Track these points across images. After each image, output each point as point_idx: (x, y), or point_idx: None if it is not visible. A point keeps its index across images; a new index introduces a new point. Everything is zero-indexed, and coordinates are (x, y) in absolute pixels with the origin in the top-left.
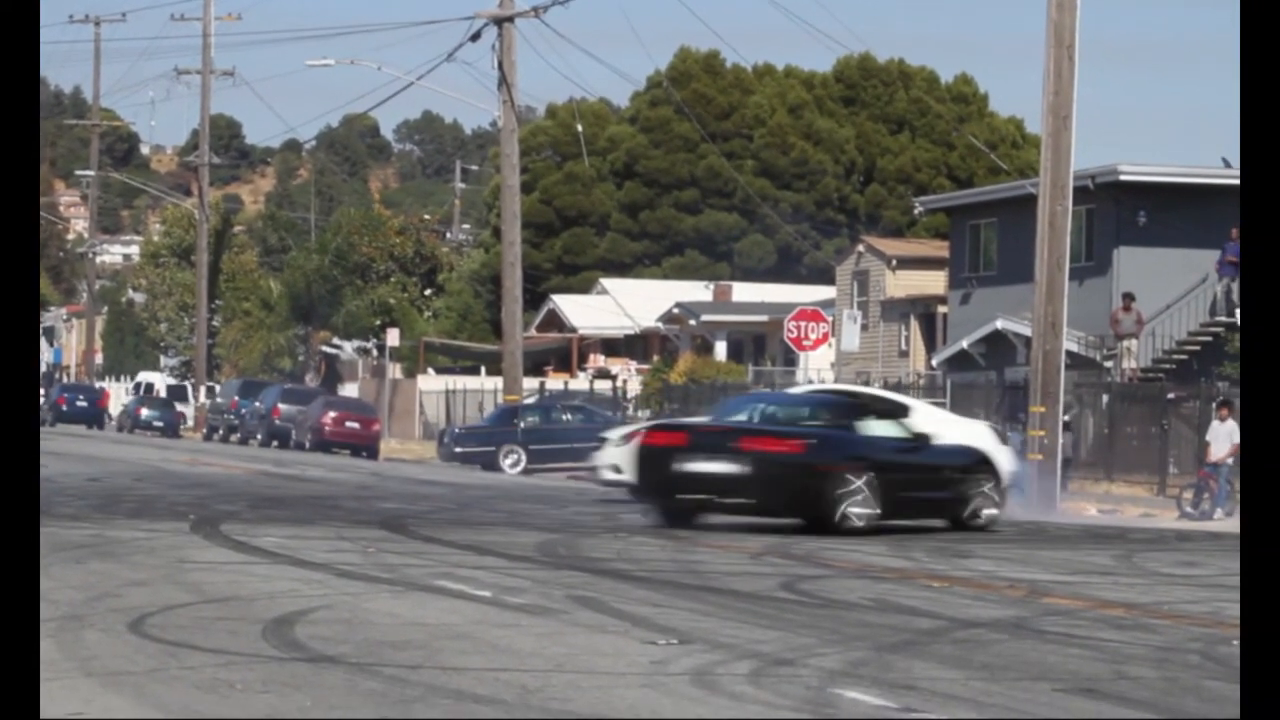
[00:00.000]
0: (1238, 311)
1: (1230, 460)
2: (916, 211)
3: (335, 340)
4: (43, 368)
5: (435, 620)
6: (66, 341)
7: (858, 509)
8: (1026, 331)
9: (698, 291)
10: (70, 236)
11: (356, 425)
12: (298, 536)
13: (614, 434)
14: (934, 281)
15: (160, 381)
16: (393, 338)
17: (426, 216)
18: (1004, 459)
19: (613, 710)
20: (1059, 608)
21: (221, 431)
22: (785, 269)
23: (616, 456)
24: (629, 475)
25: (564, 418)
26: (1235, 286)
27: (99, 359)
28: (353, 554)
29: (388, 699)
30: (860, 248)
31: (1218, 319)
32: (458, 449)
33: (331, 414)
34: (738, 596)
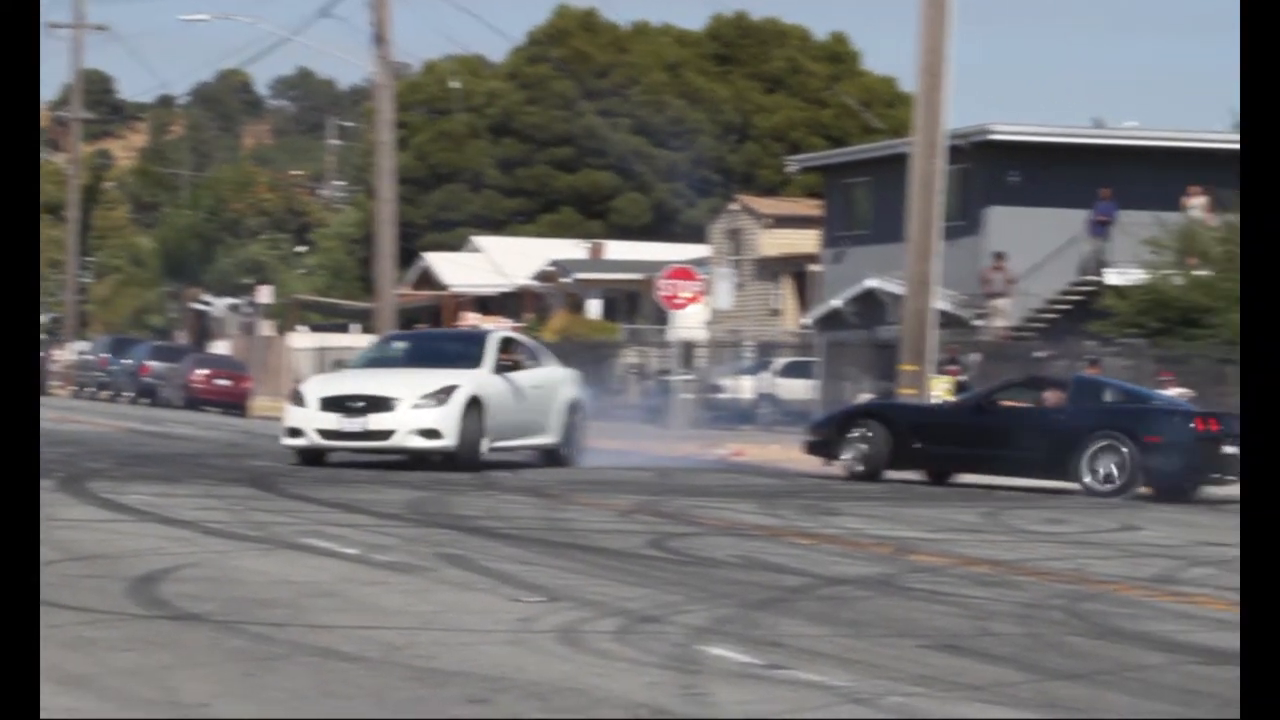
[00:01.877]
0: (1105, 271)
1: None
2: (791, 170)
3: (206, 297)
4: None
5: (302, 578)
6: None
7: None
8: (898, 290)
9: (572, 249)
10: None
11: (227, 383)
12: (166, 494)
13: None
14: (807, 240)
15: None
16: (264, 295)
17: (298, 172)
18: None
19: (478, 667)
20: (925, 565)
21: (92, 388)
22: (660, 227)
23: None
24: (450, 439)
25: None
26: (1105, 246)
27: None
28: (221, 511)
29: (252, 656)
30: (735, 206)
31: (1087, 278)
32: None
33: (202, 371)
34: (606, 554)
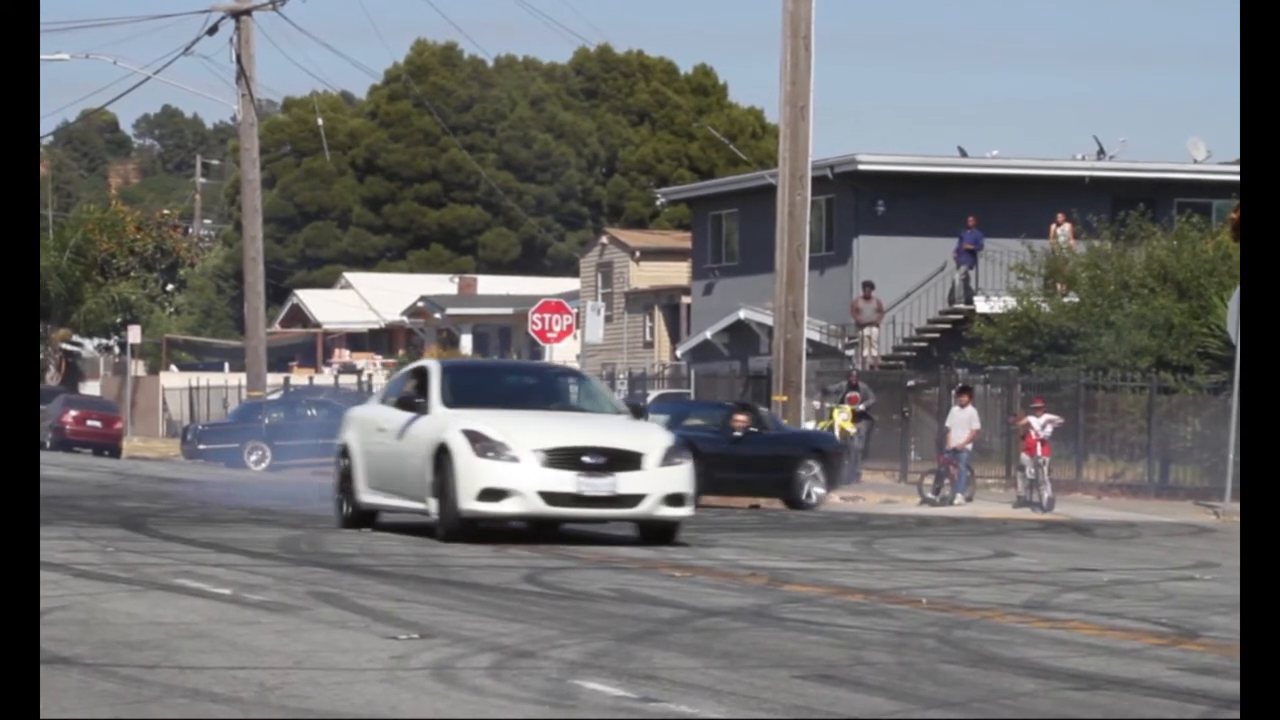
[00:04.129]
0: (976, 298)
1: (969, 446)
2: (659, 203)
3: (75, 338)
4: None
5: (173, 619)
6: None
7: None
8: (769, 321)
9: (442, 285)
10: None
11: (98, 424)
12: None
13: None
14: (677, 272)
15: None
16: (134, 335)
17: (166, 212)
18: None
19: (351, 707)
20: (799, 595)
21: None
22: (530, 262)
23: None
24: (689, 509)
25: (309, 413)
26: (972, 274)
27: None
28: (91, 554)
29: (123, 699)
30: (604, 239)
31: (956, 306)
32: (201, 446)
33: (72, 413)
34: (480, 590)
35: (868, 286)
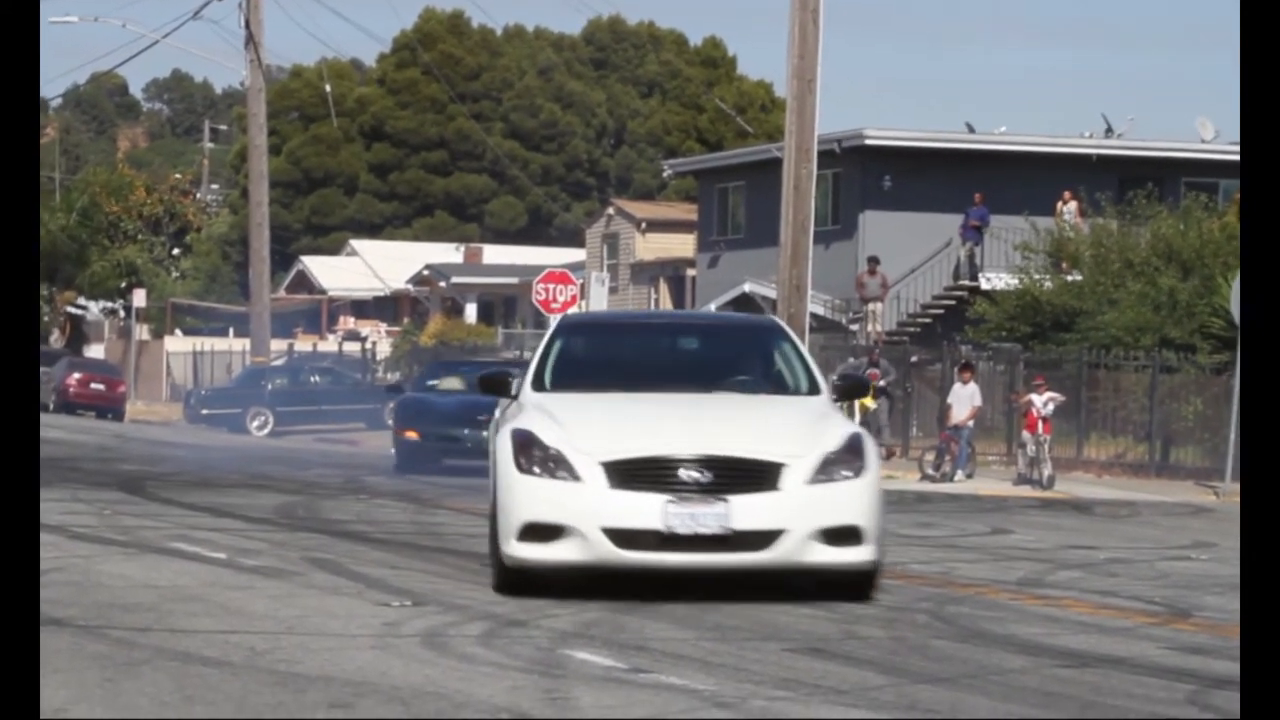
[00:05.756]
0: (981, 275)
1: (971, 423)
2: (666, 175)
3: (81, 301)
4: None
5: (167, 582)
6: None
7: None
8: (774, 294)
9: (448, 253)
10: None
11: (101, 387)
12: None
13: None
14: (683, 244)
15: None
16: (139, 299)
17: (179, 176)
18: None
19: (341, 672)
20: None
21: None
22: (536, 231)
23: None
24: (870, 547)
25: (312, 380)
26: (978, 250)
27: None
28: (88, 516)
29: (114, 662)
30: (610, 210)
31: (961, 283)
32: (204, 411)
33: (76, 375)
34: (475, 558)
35: (873, 262)
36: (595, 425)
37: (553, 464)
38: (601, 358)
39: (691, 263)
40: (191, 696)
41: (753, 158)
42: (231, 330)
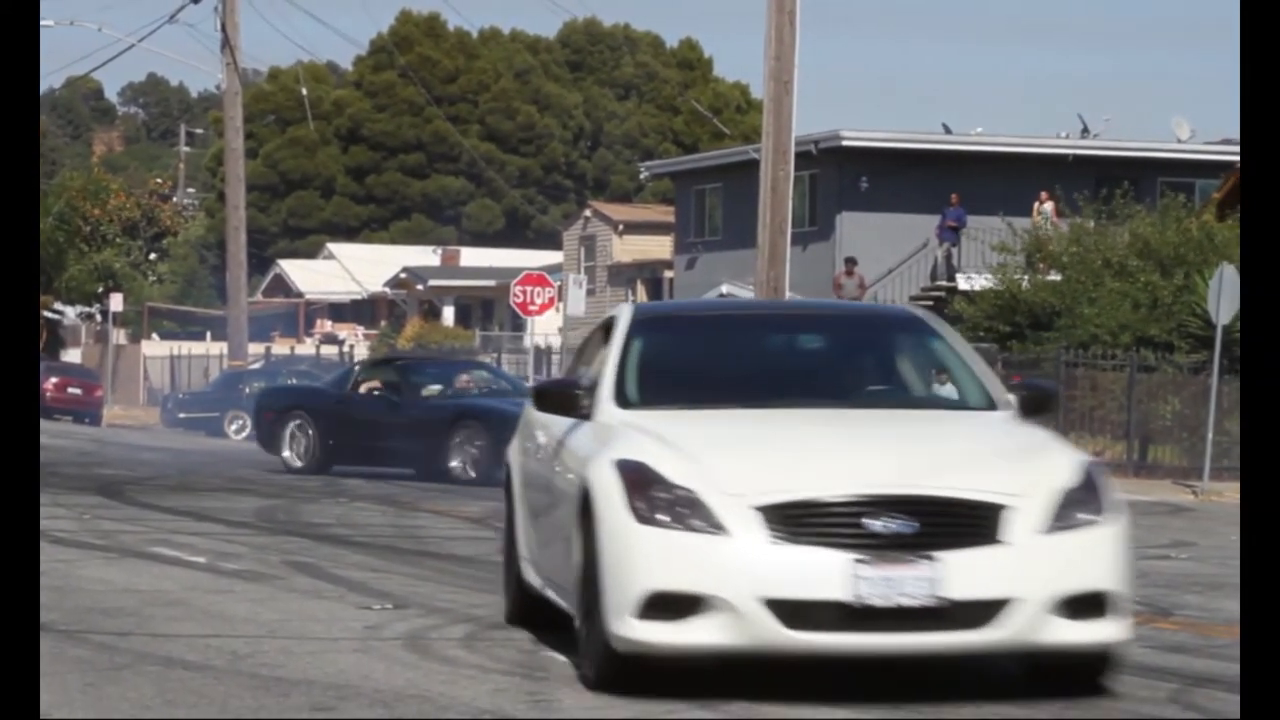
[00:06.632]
0: (958, 276)
1: None
2: (643, 177)
3: (57, 305)
4: None
5: (148, 587)
6: None
7: None
8: (751, 295)
9: (425, 256)
10: None
11: (79, 391)
12: None
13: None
14: (660, 246)
15: None
16: (116, 303)
17: (159, 181)
18: None
19: (323, 675)
20: None
21: None
22: (513, 234)
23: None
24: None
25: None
26: (955, 251)
27: None
28: (68, 520)
29: (95, 666)
30: (587, 213)
31: (938, 283)
32: (181, 415)
33: (53, 380)
34: (456, 561)
35: (850, 262)
36: (734, 454)
37: (685, 510)
38: (699, 361)
39: (669, 264)
40: (173, 701)
41: (730, 159)
42: (209, 334)
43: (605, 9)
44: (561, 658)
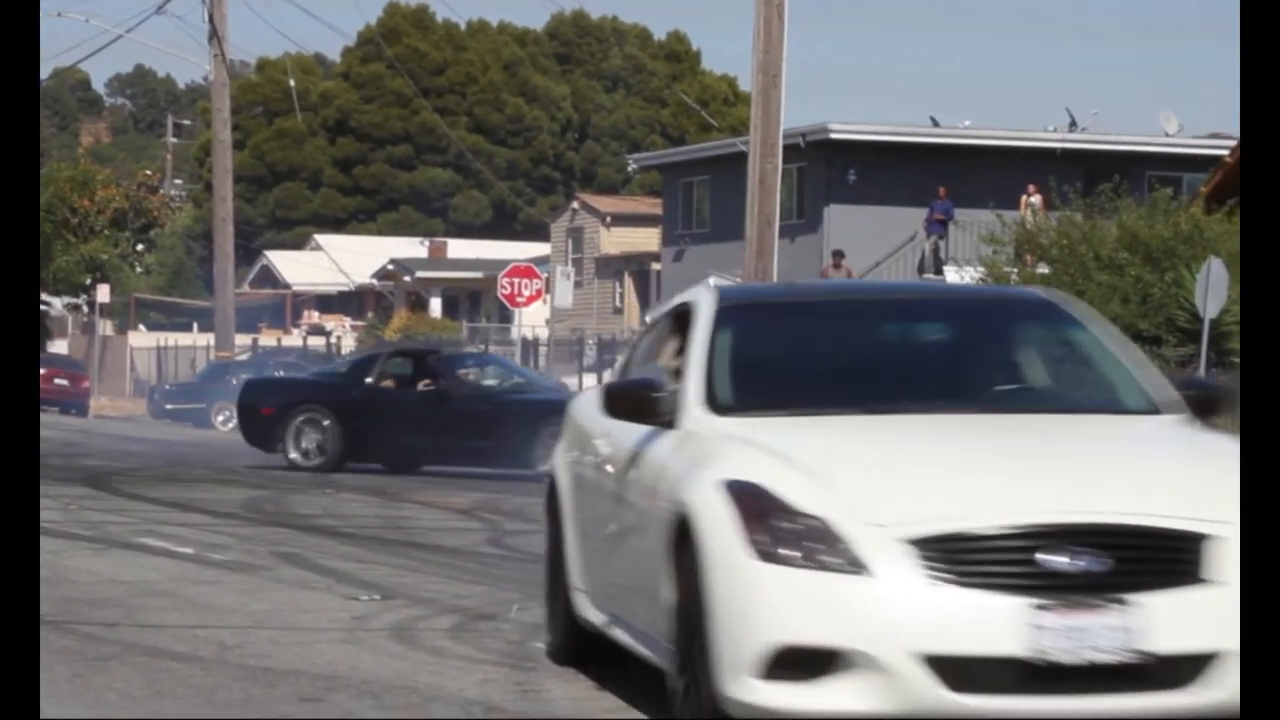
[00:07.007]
0: (945, 268)
1: None
2: (630, 169)
3: (44, 296)
4: None
5: (135, 577)
6: None
7: None
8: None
9: (413, 248)
10: None
11: (65, 382)
12: None
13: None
14: (648, 239)
15: None
16: (103, 294)
17: (149, 172)
18: None
19: (311, 666)
20: None
21: None
22: (501, 226)
23: None
24: None
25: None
26: (943, 244)
27: None
28: (54, 511)
29: (82, 657)
30: (575, 205)
31: (926, 276)
32: (168, 406)
33: (40, 371)
34: (443, 552)
35: (838, 255)
36: (870, 472)
37: (817, 543)
38: (802, 356)
39: (656, 257)
40: (161, 691)
41: (717, 152)
42: (195, 325)
43: (593, 1)
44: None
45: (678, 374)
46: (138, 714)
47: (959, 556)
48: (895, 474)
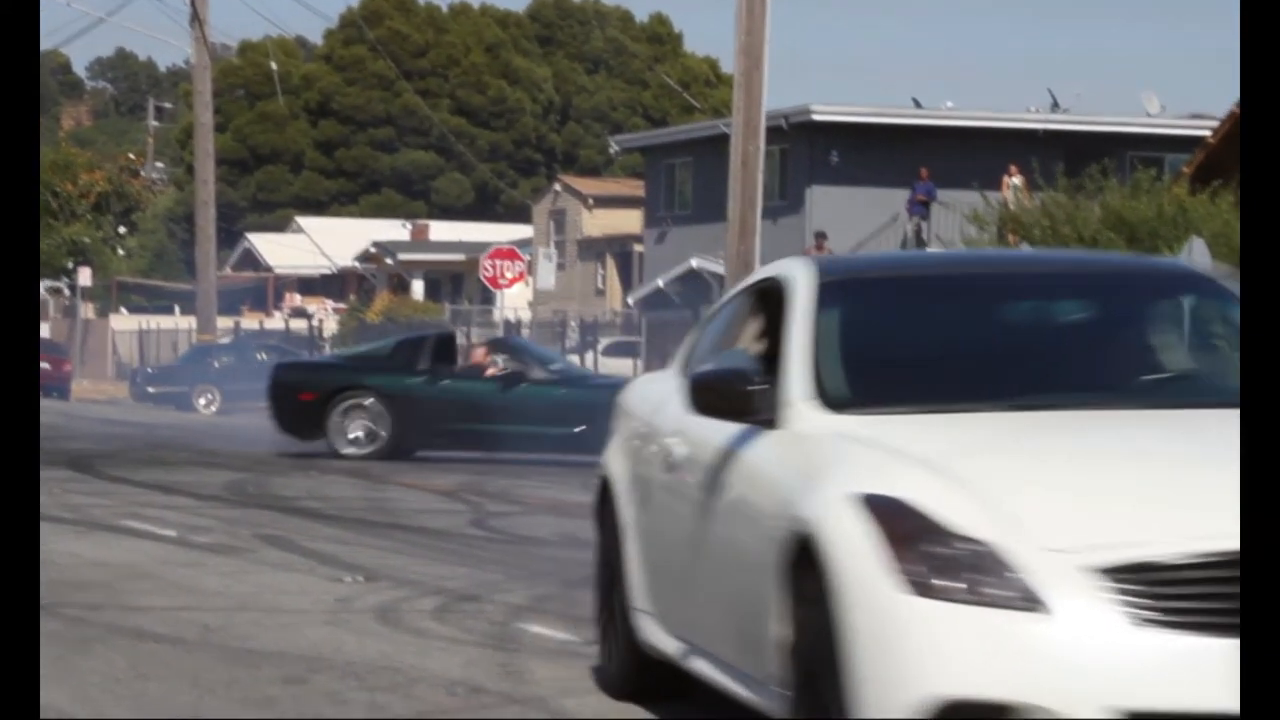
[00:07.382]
0: (928, 249)
1: None
2: (613, 151)
3: None
4: None
5: (118, 560)
6: None
7: None
8: (722, 270)
9: (395, 230)
10: None
11: (47, 365)
12: None
13: None
14: (630, 220)
15: None
16: (85, 277)
17: (133, 156)
18: None
19: (295, 647)
20: None
21: None
22: (483, 208)
23: None
24: None
25: (259, 357)
26: (925, 225)
27: None
28: None
29: (66, 640)
30: (557, 187)
31: None
32: (150, 389)
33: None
34: (427, 533)
35: (820, 236)
36: (1040, 485)
37: (982, 574)
38: (924, 340)
39: (639, 239)
40: (145, 673)
41: (700, 134)
42: (177, 308)
43: None
44: (534, 629)
45: (766, 356)
46: (121, 696)
47: (1159, 590)
48: (1066, 486)
